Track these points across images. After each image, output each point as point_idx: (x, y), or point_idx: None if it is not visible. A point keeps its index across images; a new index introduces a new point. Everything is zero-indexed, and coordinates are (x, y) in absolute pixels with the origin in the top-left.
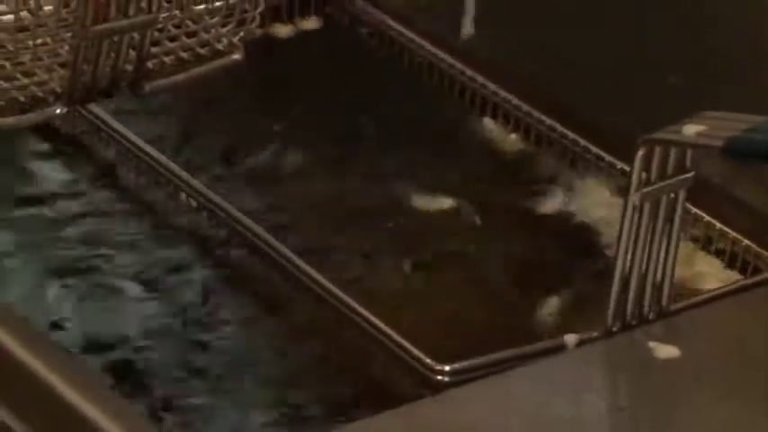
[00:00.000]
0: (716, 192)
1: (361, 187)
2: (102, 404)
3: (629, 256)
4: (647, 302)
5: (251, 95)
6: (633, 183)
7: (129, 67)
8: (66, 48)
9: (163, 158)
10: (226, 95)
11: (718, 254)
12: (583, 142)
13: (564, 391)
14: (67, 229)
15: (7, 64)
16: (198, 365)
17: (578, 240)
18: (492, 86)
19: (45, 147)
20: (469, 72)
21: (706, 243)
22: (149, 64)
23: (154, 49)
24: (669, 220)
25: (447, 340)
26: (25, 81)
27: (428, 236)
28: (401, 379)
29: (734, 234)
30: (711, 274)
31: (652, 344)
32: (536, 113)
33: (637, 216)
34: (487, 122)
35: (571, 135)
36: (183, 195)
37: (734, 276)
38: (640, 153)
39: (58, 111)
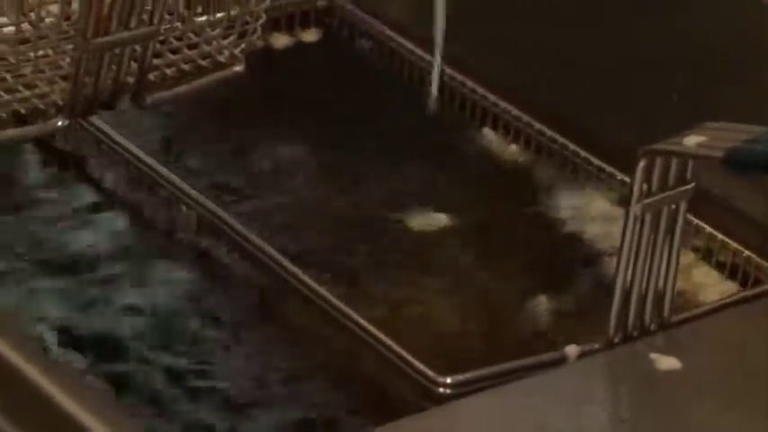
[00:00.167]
0: (717, 203)
1: (360, 198)
2: (100, 412)
3: (630, 268)
4: (648, 314)
5: (250, 106)
6: (634, 194)
7: (131, 80)
8: (68, 60)
9: (163, 169)
10: (225, 106)
11: (719, 265)
12: (583, 153)
13: (566, 402)
14: (63, 236)
15: (8, 76)
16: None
17: (579, 252)
18: (492, 97)
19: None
20: (470, 83)
21: (707, 254)
22: (151, 76)
23: (155, 61)
24: (670, 231)
25: (448, 352)
26: (27, 93)
27: (429, 247)
28: (403, 391)
29: (735, 245)
30: (712, 286)
31: (653, 355)
32: (536, 124)
33: (638, 227)
34: (487, 133)
35: (571, 146)
36: (184, 207)
37: (734, 287)
38: (641, 164)
39: (59, 123)
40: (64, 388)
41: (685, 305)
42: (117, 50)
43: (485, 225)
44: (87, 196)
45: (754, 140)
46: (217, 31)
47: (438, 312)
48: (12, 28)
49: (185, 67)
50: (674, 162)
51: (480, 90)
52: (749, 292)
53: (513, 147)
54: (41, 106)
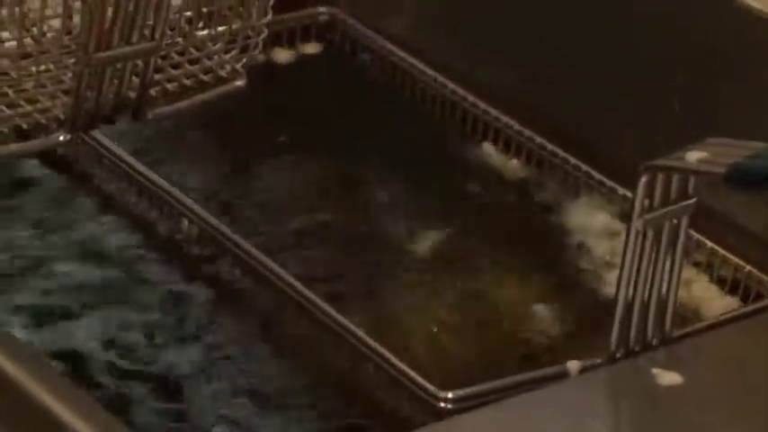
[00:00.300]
0: (718, 218)
1: (361, 214)
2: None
3: (631, 283)
4: (649, 329)
5: (251, 120)
6: (636, 209)
7: (132, 94)
8: (69, 75)
9: (165, 184)
10: (227, 121)
11: (721, 280)
12: (585, 168)
13: (567, 417)
14: (66, 250)
15: (10, 91)
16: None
17: (581, 266)
18: (494, 112)
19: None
20: (471, 98)
21: (708, 269)
22: (152, 91)
23: (157, 76)
24: (672, 246)
25: (450, 366)
26: (28, 108)
27: (429, 261)
28: (404, 405)
29: (736, 260)
30: (714, 300)
31: (655, 370)
32: (538, 139)
33: (639, 242)
34: (489, 148)
35: (573, 160)
36: (185, 221)
37: (736, 302)
38: (643, 180)
39: (61, 138)
40: (55, 397)
41: (687, 320)
42: (119, 65)
43: (486, 240)
44: (88, 210)
45: (756, 156)
46: (218, 45)
47: (439, 327)
48: (13, 43)
49: (187, 81)
50: (676, 177)
51: (482, 104)
52: (750, 307)
53: (515, 161)
54: (43, 121)
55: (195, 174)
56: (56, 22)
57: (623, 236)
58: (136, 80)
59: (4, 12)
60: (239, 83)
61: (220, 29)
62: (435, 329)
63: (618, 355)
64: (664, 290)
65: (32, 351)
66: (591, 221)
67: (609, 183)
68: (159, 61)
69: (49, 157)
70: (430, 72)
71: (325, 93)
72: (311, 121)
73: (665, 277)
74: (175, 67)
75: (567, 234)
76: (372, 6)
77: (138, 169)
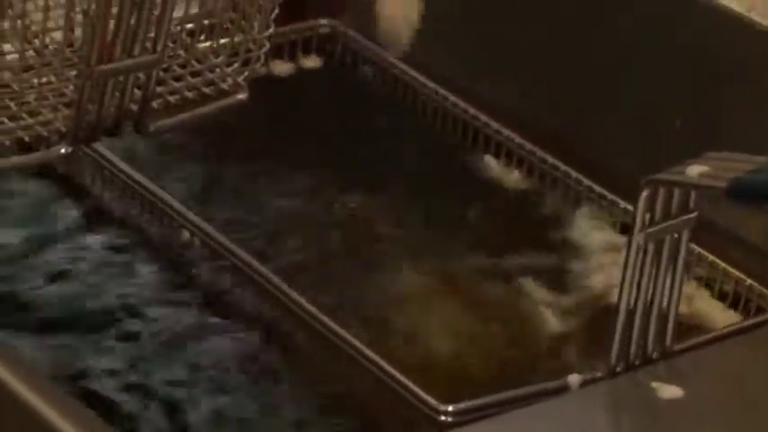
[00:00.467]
0: (719, 232)
1: (363, 227)
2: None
3: (632, 296)
4: (650, 342)
5: (252, 133)
6: (637, 223)
7: (134, 107)
8: (71, 87)
9: (166, 196)
10: (227, 133)
11: (722, 294)
12: (586, 181)
13: (568, 431)
14: (69, 265)
15: (12, 104)
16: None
17: (581, 280)
18: (495, 125)
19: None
20: (472, 111)
21: (709, 283)
22: (154, 103)
23: (158, 89)
24: (673, 260)
25: (450, 380)
26: (30, 120)
27: (431, 274)
28: (404, 419)
29: (737, 274)
30: (715, 314)
31: (655, 384)
32: (539, 152)
33: (640, 256)
34: (490, 161)
35: (574, 174)
36: (186, 233)
37: (737, 316)
38: (644, 194)
39: (62, 150)
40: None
41: (688, 334)
42: (120, 78)
43: (487, 253)
44: (88, 221)
45: (758, 171)
46: (220, 58)
47: (440, 340)
48: (15, 55)
49: (189, 94)
50: (677, 191)
51: (483, 117)
52: (751, 321)
53: (516, 174)
54: (45, 133)
55: (195, 185)
56: (58, 35)
57: (624, 249)
58: (138, 93)
59: (7, 24)
60: (241, 96)
61: (222, 41)
62: (436, 342)
63: (618, 369)
64: (664, 303)
65: (31, 366)
66: (592, 235)
67: (610, 196)
68: (161, 74)
69: (49, 169)
70: (431, 85)
71: (325, 105)
72: (311, 133)
73: (666, 291)
74: (177, 79)
75: (569, 247)
76: (373, 19)
77: (139, 180)
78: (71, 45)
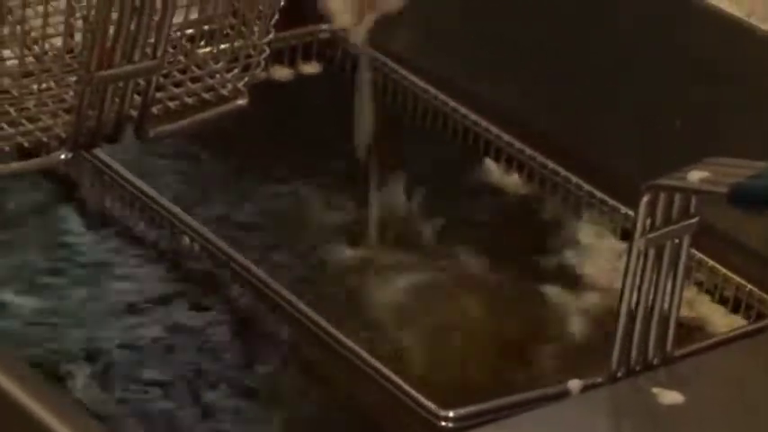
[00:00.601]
0: (720, 237)
1: (363, 232)
2: None
3: (633, 302)
4: (651, 348)
5: (251, 138)
6: (638, 229)
7: (134, 113)
8: (71, 93)
9: (165, 202)
10: (226, 139)
11: (722, 299)
12: (586, 187)
13: None
14: (73, 269)
15: (11, 109)
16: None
17: (582, 285)
18: (495, 130)
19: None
20: (473, 116)
21: (710, 288)
22: (154, 109)
23: (158, 95)
24: (674, 265)
25: (451, 385)
26: (30, 126)
27: (431, 280)
28: (405, 424)
29: (738, 279)
30: (715, 320)
31: (656, 390)
32: (539, 158)
33: (641, 261)
34: (491, 166)
35: (575, 179)
36: (186, 239)
37: (737, 321)
38: (645, 199)
39: (62, 156)
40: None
41: (688, 339)
42: (120, 84)
43: (487, 259)
44: (89, 227)
45: (759, 176)
46: (220, 64)
47: (440, 345)
48: (15, 61)
49: (189, 100)
50: (678, 197)
51: (483, 123)
52: (752, 326)
53: (516, 180)
54: (45, 139)
55: (194, 190)
56: (57, 41)
57: (625, 255)
58: (138, 98)
59: (6, 30)
60: (241, 102)
61: (222, 47)
62: (436, 348)
63: (619, 375)
64: (665, 309)
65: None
66: (593, 240)
67: (611, 202)
68: (161, 80)
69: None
70: (431, 90)
71: (325, 111)
72: (310, 139)
73: (667, 296)
74: (177, 85)
75: (569, 253)
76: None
77: (139, 186)
78: (71, 51)
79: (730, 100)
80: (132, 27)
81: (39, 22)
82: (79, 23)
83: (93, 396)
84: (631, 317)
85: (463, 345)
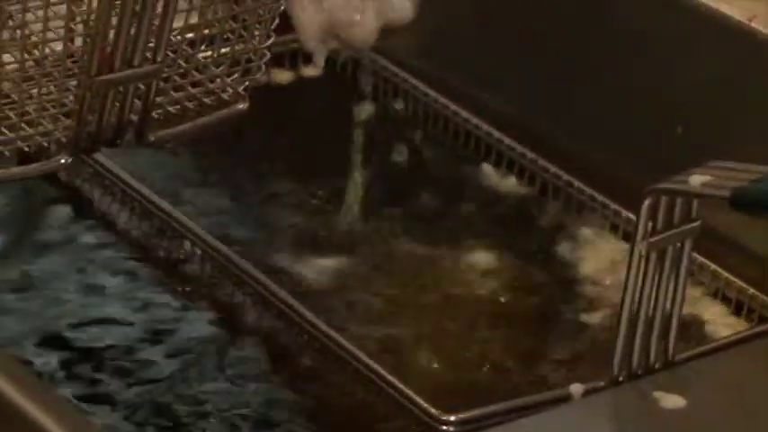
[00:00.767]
0: (721, 240)
1: (363, 237)
2: None
3: (635, 305)
4: (653, 352)
5: (251, 142)
6: (639, 232)
7: (134, 117)
8: (71, 97)
9: (166, 205)
10: (226, 142)
11: (725, 302)
12: (588, 190)
13: None
14: (72, 275)
15: (12, 114)
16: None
17: (583, 289)
18: (496, 134)
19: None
20: (474, 120)
21: (712, 292)
22: (154, 114)
23: (159, 99)
24: (675, 269)
25: (452, 390)
26: (30, 131)
27: (433, 284)
28: (407, 429)
29: (740, 283)
30: (717, 323)
31: (658, 393)
32: (541, 161)
33: (643, 265)
34: (491, 170)
35: (576, 183)
36: (188, 243)
37: (739, 325)
38: (646, 203)
39: (63, 161)
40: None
41: (690, 343)
42: (121, 88)
43: (488, 260)
44: (90, 231)
45: (761, 180)
46: (221, 68)
47: (441, 349)
48: (15, 65)
49: (189, 104)
50: (679, 201)
51: (484, 126)
52: (754, 330)
53: (517, 183)
54: (45, 144)
55: (194, 194)
56: (58, 45)
57: (627, 258)
58: (138, 103)
59: (6, 35)
60: (241, 106)
61: (223, 51)
62: (437, 352)
63: (621, 378)
64: (667, 312)
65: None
66: (594, 244)
67: (613, 205)
68: (161, 84)
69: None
70: (432, 93)
71: (325, 114)
72: (310, 143)
73: (669, 300)
74: (177, 89)
75: (570, 256)
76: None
77: (139, 190)
78: (71, 55)
79: (732, 103)
80: (132, 31)
81: (39, 26)
82: (79, 28)
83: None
84: (633, 321)
85: (464, 349)
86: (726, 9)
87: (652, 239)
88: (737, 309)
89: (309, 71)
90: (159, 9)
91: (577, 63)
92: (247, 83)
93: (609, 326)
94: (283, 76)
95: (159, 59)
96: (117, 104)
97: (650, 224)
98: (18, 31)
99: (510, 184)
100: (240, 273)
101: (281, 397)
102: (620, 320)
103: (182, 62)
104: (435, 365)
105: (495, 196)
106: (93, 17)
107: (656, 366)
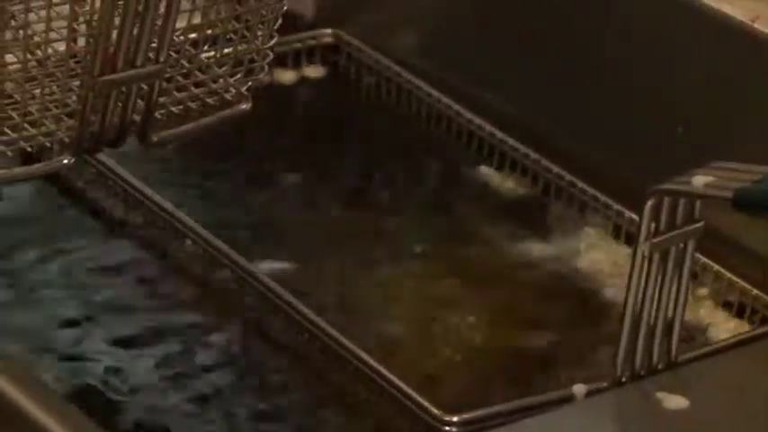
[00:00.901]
0: (725, 241)
1: (365, 238)
2: None
3: (638, 306)
4: (655, 352)
5: (253, 142)
6: (642, 233)
7: (137, 117)
8: (74, 98)
9: (168, 205)
10: (229, 143)
11: (727, 303)
12: (591, 190)
13: None
14: (78, 274)
15: (14, 114)
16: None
17: (586, 289)
18: (499, 134)
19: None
20: (476, 120)
21: (714, 293)
22: (157, 114)
23: (162, 99)
24: (678, 269)
25: (455, 390)
26: (33, 131)
27: (435, 285)
28: (409, 429)
29: (743, 284)
30: (720, 324)
31: (661, 394)
32: (543, 161)
33: (646, 266)
34: (493, 170)
35: (579, 183)
36: (189, 242)
37: (742, 326)
38: (649, 204)
39: (65, 161)
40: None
41: (693, 344)
42: (123, 88)
43: (491, 260)
44: (93, 231)
45: (763, 181)
46: (224, 68)
47: (443, 349)
48: (18, 66)
49: (192, 105)
50: (682, 201)
51: (487, 126)
52: (757, 331)
53: (520, 184)
54: (48, 144)
55: (198, 195)
56: (60, 46)
57: (629, 259)
58: (141, 103)
59: (9, 35)
60: (244, 106)
61: (225, 51)
62: (439, 352)
63: (624, 379)
64: (670, 313)
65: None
66: (597, 244)
67: (615, 206)
68: (164, 84)
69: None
70: (435, 94)
71: (328, 114)
72: (314, 143)
73: (671, 301)
74: (180, 90)
75: (573, 257)
76: (377, 28)
77: (142, 190)
78: (74, 56)
79: (735, 104)
80: (135, 32)
81: (42, 26)
82: (82, 28)
83: None
84: (636, 321)
85: (466, 349)
86: (728, 9)
87: (655, 240)
88: (740, 310)
89: (312, 71)
90: (162, 9)
91: (581, 64)
92: (250, 83)
93: (611, 326)
94: (286, 77)
95: (162, 60)
96: (120, 105)
97: (653, 225)
98: (21, 32)
99: (510, 183)
100: (242, 273)
101: (280, 394)
102: (622, 321)
103: (185, 62)
104: (438, 366)
105: (497, 196)
106: (95, 17)
107: (659, 367)
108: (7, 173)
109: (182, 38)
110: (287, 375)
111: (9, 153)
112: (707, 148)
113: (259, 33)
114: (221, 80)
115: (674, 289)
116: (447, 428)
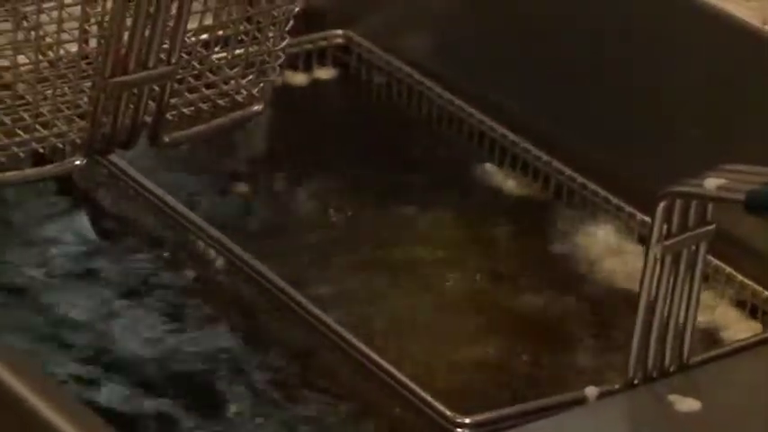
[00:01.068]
0: (737, 244)
1: (374, 236)
2: None
3: (650, 308)
4: (668, 355)
5: (265, 144)
6: (654, 235)
7: (149, 119)
8: (86, 99)
9: (180, 207)
10: (240, 144)
11: (739, 305)
12: (603, 193)
13: None
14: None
15: (26, 115)
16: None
17: (598, 291)
18: (511, 136)
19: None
20: (488, 121)
21: (726, 295)
22: (168, 115)
23: (173, 101)
24: (690, 271)
25: (467, 392)
26: (45, 132)
27: (447, 287)
28: (422, 431)
29: (754, 286)
30: (732, 326)
31: (673, 397)
32: (555, 163)
33: (658, 268)
34: (506, 172)
35: (591, 185)
36: (202, 244)
37: (754, 328)
38: (661, 206)
39: (77, 162)
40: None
41: (705, 346)
42: (135, 90)
43: (503, 262)
44: (104, 233)
45: None
46: (235, 70)
47: (456, 351)
48: (30, 67)
49: (203, 106)
50: (694, 203)
51: (499, 128)
52: None
53: (533, 186)
54: (59, 145)
55: (209, 196)
56: (72, 47)
57: (641, 261)
58: (152, 104)
59: (21, 36)
60: (256, 107)
61: (237, 53)
62: (451, 353)
63: (636, 381)
64: (682, 316)
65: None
66: (609, 247)
67: (627, 208)
68: (175, 86)
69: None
70: (446, 95)
71: (339, 115)
72: (325, 144)
73: (684, 303)
74: (192, 91)
75: (585, 259)
76: (388, 29)
77: (154, 191)
78: (85, 57)
79: (747, 106)
80: (147, 33)
81: (53, 27)
82: (94, 29)
83: None
84: (648, 324)
85: (479, 351)
86: (741, 13)
87: (667, 242)
88: (752, 312)
89: (323, 73)
90: (173, 11)
91: (593, 66)
92: (262, 84)
93: (623, 328)
94: (297, 78)
95: (174, 61)
96: (131, 106)
97: (665, 227)
98: (33, 33)
99: (523, 186)
100: (257, 276)
101: (296, 398)
102: (635, 323)
103: (196, 64)
104: (451, 368)
105: (509, 197)
106: (107, 19)
107: (671, 369)
108: (19, 174)
109: (193, 39)
110: (300, 378)
111: (21, 154)
112: (720, 151)
113: (270, 35)
114: (233, 81)
115: (686, 291)
116: (459, 430)
